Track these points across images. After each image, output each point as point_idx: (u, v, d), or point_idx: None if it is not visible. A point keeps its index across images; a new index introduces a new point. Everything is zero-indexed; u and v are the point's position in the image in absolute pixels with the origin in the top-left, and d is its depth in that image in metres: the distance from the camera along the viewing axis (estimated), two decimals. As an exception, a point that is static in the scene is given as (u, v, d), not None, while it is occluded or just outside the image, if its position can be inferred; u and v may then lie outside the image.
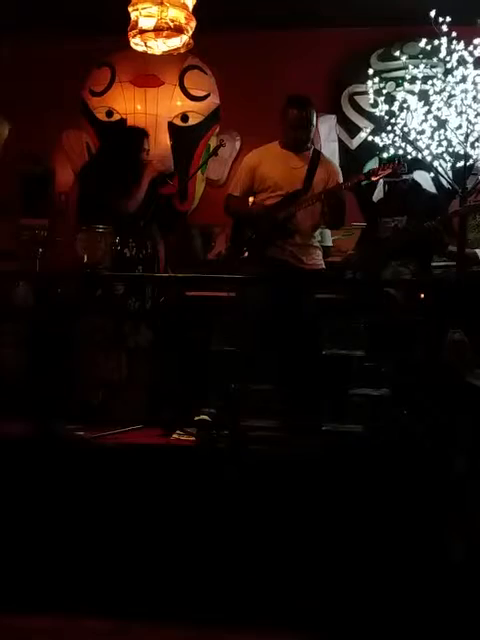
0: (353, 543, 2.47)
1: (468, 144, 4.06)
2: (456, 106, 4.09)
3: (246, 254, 3.13)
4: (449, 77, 4.13)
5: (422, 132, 4.25)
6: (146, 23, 3.24)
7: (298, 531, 2.50)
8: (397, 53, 4.50)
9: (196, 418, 2.98)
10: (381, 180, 3.90)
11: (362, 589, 2.41)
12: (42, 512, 2.59)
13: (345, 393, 3.14)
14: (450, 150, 4.20)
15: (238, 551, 2.50)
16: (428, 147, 4.25)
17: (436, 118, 4.20)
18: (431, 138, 4.24)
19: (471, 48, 4.05)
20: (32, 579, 2.49)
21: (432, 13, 3.97)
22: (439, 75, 4.22)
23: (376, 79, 4.44)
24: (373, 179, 3.15)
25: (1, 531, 2.58)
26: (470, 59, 4.05)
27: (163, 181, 3.68)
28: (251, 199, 3.28)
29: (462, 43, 4.08)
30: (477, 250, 3.78)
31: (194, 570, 2.49)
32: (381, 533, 2.47)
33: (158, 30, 3.26)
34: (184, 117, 4.88)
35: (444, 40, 4.09)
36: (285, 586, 2.44)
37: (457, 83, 4.10)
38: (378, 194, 4.33)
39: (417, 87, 4.29)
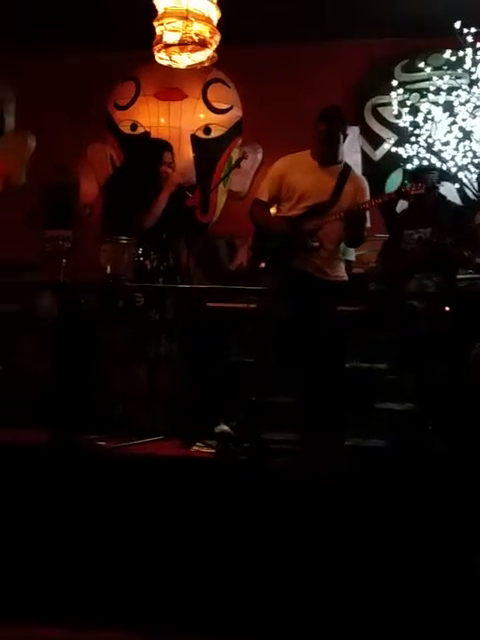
0: (376, 559, 2.42)
1: (494, 155, 4.02)
2: (481, 117, 4.06)
3: (264, 264, 3.10)
4: (474, 88, 4.11)
5: (447, 143, 4.23)
6: (171, 37, 3.28)
7: (319, 546, 2.46)
8: (421, 64, 4.51)
9: (216, 429, 2.97)
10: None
11: (383, 603, 2.36)
12: (59, 521, 2.59)
13: (368, 407, 3.09)
14: (475, 161, 4.17)
15: (257, 564, 2.47)
16: (453, 158, 4.22)
17: (461, 129, 4.18)
18: (456, 149, 4.21)
19: (496, 59, 4.04)
20: (44, 589, 2.49)
21: (457, 24, 3.96)
22: (464, 86, 4.20)
23: (400, 90, 4.44)
24: (404, 199, 3.09)
25: (17, 539, 2.58)
26: (495, 70, 4.03)
27: (183, 194, 3.68)
28: (273, 210, 3.26)
29: (487, 54, 4.07)
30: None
31: (211, 583, 2.46)
32: (405, 549, 2.42)
33: (183, 44, 3.29)
34: (207, 130, 4.92)
35: (469, 51, 4.08)
36: (305, 600, 2.40)
37: (482, 94, 4.08)
38: (402, 205, 4.30)
39: (442, 98, 4.27)
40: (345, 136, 3.14)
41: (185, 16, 3.22)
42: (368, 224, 3.16)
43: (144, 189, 3.59)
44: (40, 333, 3.54)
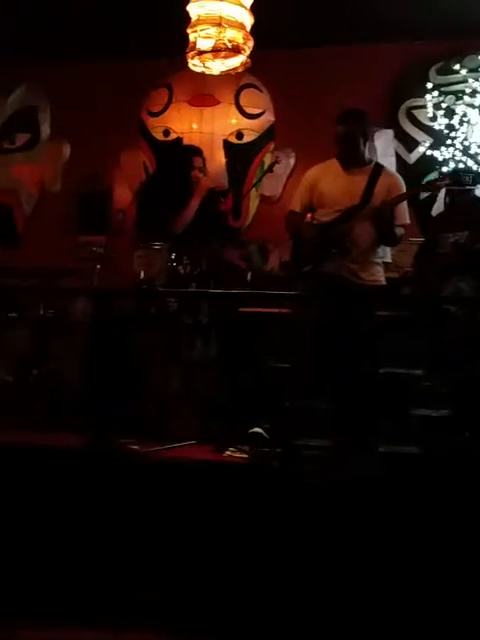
0: (412, 567, 2.38)
1: None
2: (518, 120, 4.00)
3: (307, 269, 3.09)
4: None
5: (483, 146, 4.16)
6: (204, 44, 3.28)
7: (353, 553, 2.43)
8: (457, 66, 4.47)
9: (250, 431, 2.96)
10: (442, 193, 3.82)
11: (419, 611, 2.31)
12: (95, 524, 2.61)
13: (403, 413, 3.05)
14: (513, 164, 4.09)
15: (290, 570, 2.45)
16: (490, 161, 4.15)
17: (498, 132, 4.11)
18: (493, 152, 4.14)
19: None
20: (79, 591, 2.51)
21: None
22: (500, 88, 4.13)
23: (435, 93, 4.40)
24: (431, 189, 3.08)
25: (52, 542, 2.61)
26: None
27: (215, 199, 3.70)
28: (309, 215, 3.26)
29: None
30: None
31: (245, 588, 2.45)
32: (442, 557, 2.37)
33: (216, 51, 3.30)
34: (239, 135, 4.92)
35: (506, 53, 4.01)
36: (339, 606, 2.37)
37: (519, 97, 4.01)
38: (437, 209, 4.24)
39: (477, 100, 4.23)
40: (366, 138, 3.12)
41: (218, 22, 3.23)
42: (407, 220, 3.11)
43: (175, 194, 3.62)
44: (75, 338, 3.58)
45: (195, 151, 3.83)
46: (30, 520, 2.67)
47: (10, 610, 2.45)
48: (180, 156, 3.91)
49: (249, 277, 3.99)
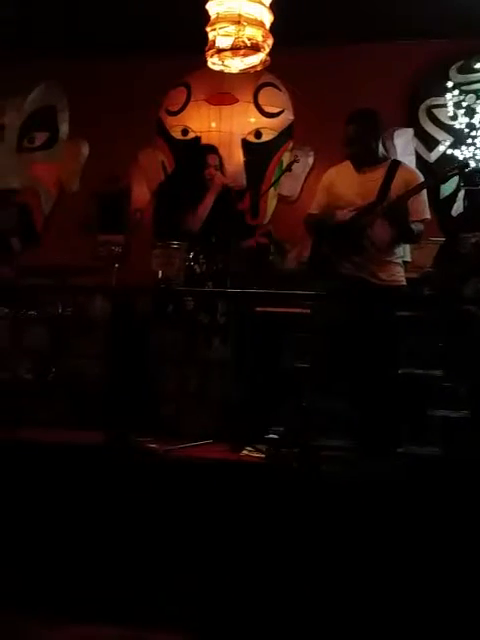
0: (430, 570, 2.36)
1: None
2: None
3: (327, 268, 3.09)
4: None
5: (504, 145, 4.12)
6: (223, 42, 3.28)
7: (371, 555, 2.41)
8: (477, 65, 4.45)
9: (266, 437, 2.96)
10: (461, 194, 3.78)
11: (435, 616, 2.29)
12: (109, 521, 2.62)
13: (422, 414, 3.03)
14: None
15: (305, 572, 2.43)
16: (511, 160, 4.11)
17: (518, 131, 4.07)
18: (513, 151, 4.10)
19: None
20: (100, 588, 2.52)
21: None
22: (521, 87, 4.09)
23: (455, 91, 4.37)
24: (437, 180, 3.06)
25: (72, 539, 2.62)
26: None
27: (231, 196, 3.69)
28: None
29: None
30: None
31: (262, 588, 2.44)
32: (461, 560, 2.34)
33: (235, 49, 3.30)
34: (257, 134, 4.91)
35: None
36: (357, 609, 2.35)
37: None
38: (457, 208, 4.20)
39: (499, 100, 4.18)
40: (377, 136, 3.10)
41: (237, 20, 3.23)
42: (426, 215, 3.06)
43: (190, 192, 3.62)
44: (93, 336, 3.60)
45: (210, 149, 3.84)
46: (49, 516, 2.68)
47: (33, 605, 2.46)
48: (194, 154, 3.92)
49: (272, 249, 3.97)
